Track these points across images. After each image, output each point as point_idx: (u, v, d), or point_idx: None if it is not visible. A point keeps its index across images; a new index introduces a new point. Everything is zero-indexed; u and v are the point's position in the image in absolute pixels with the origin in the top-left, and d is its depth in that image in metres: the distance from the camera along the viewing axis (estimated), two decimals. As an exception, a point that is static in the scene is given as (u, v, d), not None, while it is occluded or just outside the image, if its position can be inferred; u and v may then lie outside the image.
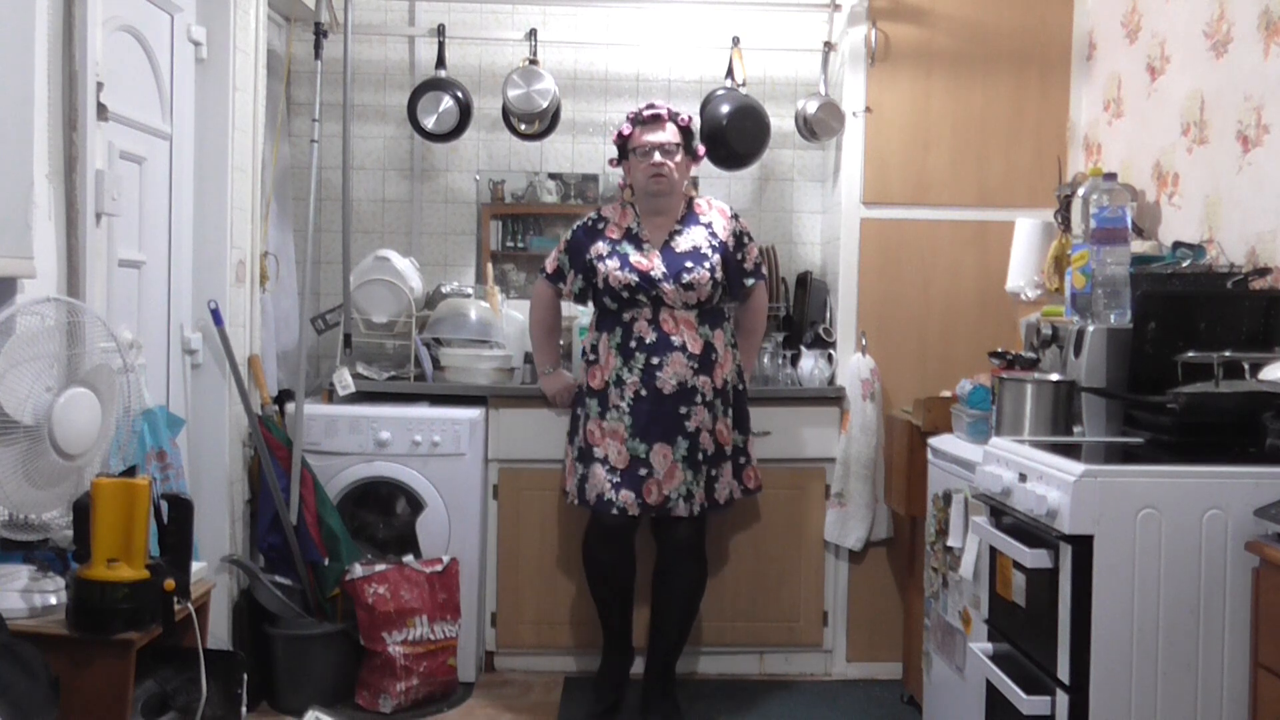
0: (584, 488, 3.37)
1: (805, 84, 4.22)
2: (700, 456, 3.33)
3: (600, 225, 3.46)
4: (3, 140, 2.32)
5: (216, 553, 3.33)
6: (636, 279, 3.32)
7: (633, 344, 3.33)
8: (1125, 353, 2.64)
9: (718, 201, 3.53)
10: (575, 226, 3.53)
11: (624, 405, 3.32)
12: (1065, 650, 2.15)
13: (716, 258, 3.37)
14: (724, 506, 3.43)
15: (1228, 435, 2.36)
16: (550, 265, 3.53)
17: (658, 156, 3.34)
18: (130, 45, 2.98)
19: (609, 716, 3.44)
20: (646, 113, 3.38)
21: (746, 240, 3.48)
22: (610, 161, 3.51)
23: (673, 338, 3.32)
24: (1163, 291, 2.67)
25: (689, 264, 3.34)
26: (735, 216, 3.49)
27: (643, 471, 3.30)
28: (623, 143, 3.42)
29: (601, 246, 3.41)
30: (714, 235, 3.41)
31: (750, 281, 3.48)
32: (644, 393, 3.31)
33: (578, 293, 3.48)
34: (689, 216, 3.45)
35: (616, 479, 3.31)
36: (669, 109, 3.40)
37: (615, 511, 3.31)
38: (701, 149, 3.54)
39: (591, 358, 3.42)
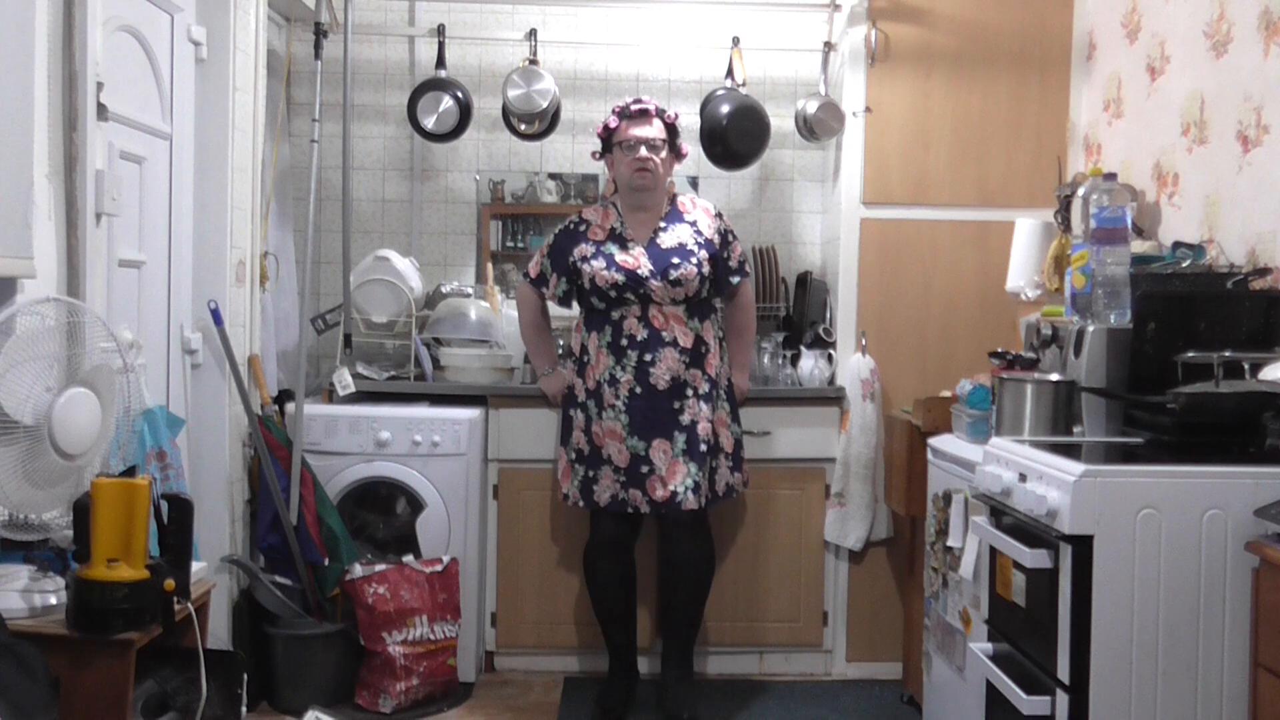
0: (592, 489, 3.37)
1: (805, 84, 4.22)
2: (702, 448, 3.33)
3: (582, 228, 3.46)
4: (3, 140, 2.32)
5: (216, 553, 3.33)
6: (623, 278, 3.32)
7: (624, 342, 3.34)
8: (1125, 353, 2.64)
9: (702, 200, 3.55)
10: (557, 230, 3.53)
11: (619, 404, 3.32)
12: (1065, 650, 2.15)
13: (703, 254, 3.37)
14: (722, 498, 3.44)
15: (1228, 435, 2.36)
16: (533, 270, 3.53)
17: (643, 151, 3.34)
18: (130, 45, 2.98)
19: None
20: (634, 107, 3.38)
21: (731, 238, 3.49)
22: (593, 155, 3.51)
23: (664, 333, 3.32)
24: (1163, 291, 2.67)
25: (675, 260, 3.34)
26: (719, 215, 3.51)
27: (644, 469, 3.30)
28: (607, 136, 3.41)
29: (585, 248, 3.40)
30: (699, 233, 3.41)
31: (736, 279, 3.49)
32: (638, 390, 3.31)
33: (562, 296, 3.48)
34: (673, 214, 3.45)
35: (623, 478, 3.32)
36: (656, 104, 3.41)
37: (630, 510, 3.32)
38: (686, 148, 3.52)
39: (584, 359, 3.42)
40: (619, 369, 3.33)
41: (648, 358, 3.31)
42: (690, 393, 3.33)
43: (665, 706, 3.41)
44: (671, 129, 3.41)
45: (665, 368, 3.31)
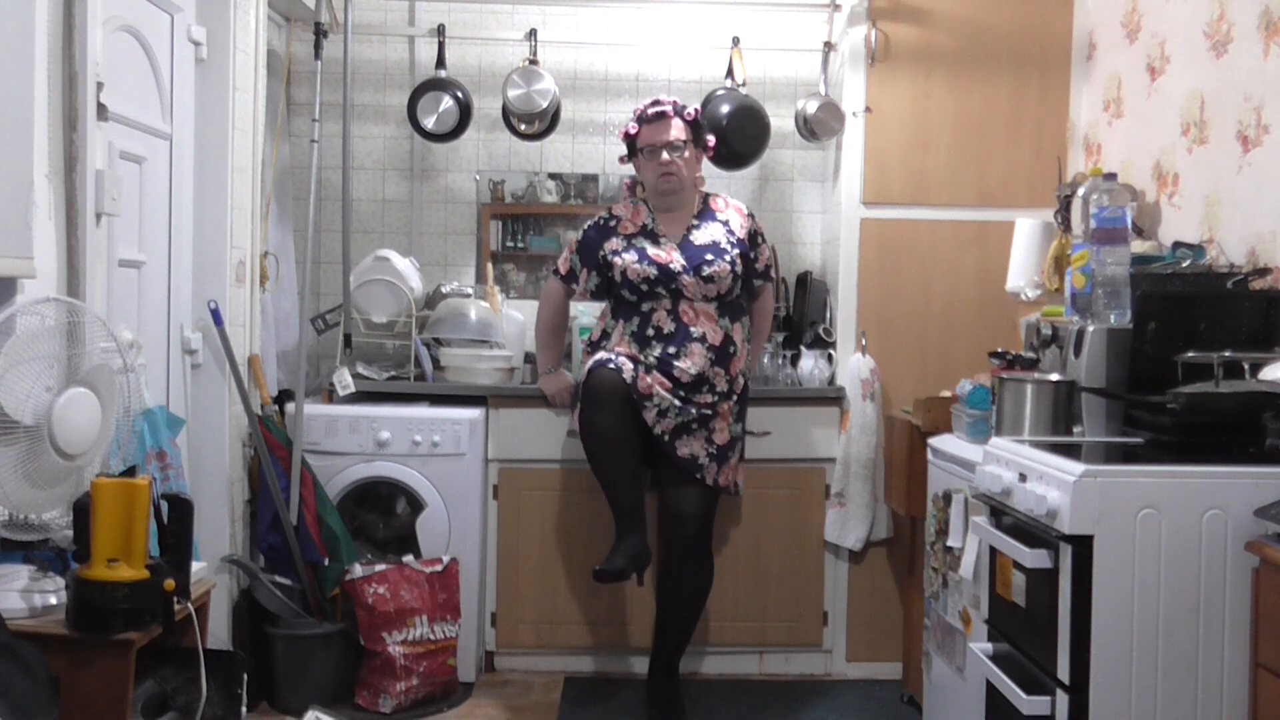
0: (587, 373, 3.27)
1: (805, 84, 4.22)
2: (694, 412, 3.28)
3: (613, 223, 3.45)
4: (3, 140, 2.32)
5: (216, 553, 3.33)
6: (655, 272, 3.31)
7: (650, 333, 3.32)
8: (1125, 353, 2.64)
9: (735, 200, 3.53)
10: (587, 226, 3.52)
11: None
12: (1065, 650, 2.15)
13: (736, 253, 3.36)
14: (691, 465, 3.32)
15: (1228, 435, 2.36)
16: (563, 265, 3.52)
17: (665, 155, 3.33)
18: (130, 45, 2.98)
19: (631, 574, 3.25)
20: (651, 110, 3.36)
21: (760, 240, 3.49)
22: (620, 159, 3.51)
23: (693, 328, 3.30)
24: (1163, 291, 2.67)
25: (709, 256, 3.33)
26: (751, 215, 3.50)
27: (642, 368, 3.26)
28: (630, 141, 3.41)
29: (616, 243, 3.39)
30: (732, 233, 3.40)
31: (759, 283, 3.49)
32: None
33: (594, 289, 3.47)
34: (706, 213, 3.44)
35: (619, 356, 3.26)
36: (674, 103, 3.39)
37: (611, 367, 3.21)
38: (711, 139, 3.53)
39: (602, 344, 3.40)
40: (642, 357, 3.31)
41: (672, 350, 3.29)
42: (710, 390, 3.32)
43: (650, 712, 3.42)
44: (694, 124, 3.39)
45: (691, 362, 3.28)
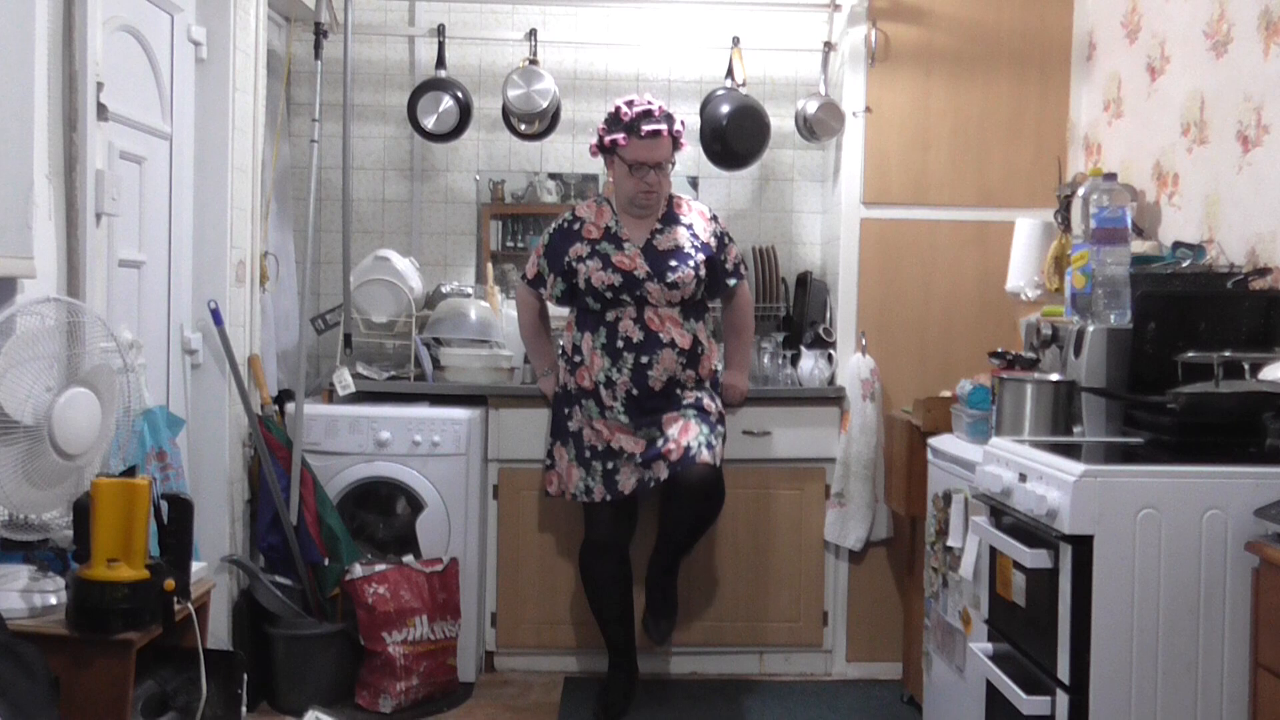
0: (615, 480, 3.34)
1: (805, 84, 4.22)
2: (711, 416, 3.36)
3: (577, 226, 3.44)
4: (3, 140, 2.32)
5: (216, 553, 3.33)
6: (620, 279, 3.31)
7: (619, 344, 3.32)
8: (1125, 353, 2.65)
9: (697, 203, 3.53)
10: (550, 229, 3.50)
11: (618, 405, 3.32)
12: (1065, 650, 2.15)
13: (700, 257, 3.36)
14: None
15: (1228, 435, 2.36)
16: (530, 270, 3.52)
17: (652, 175, 3.31)
18: (130, 45, 2.98)
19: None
20: (646, 127, 3.25)
21: (727, 241, 3.49)
22: (591, 148, 3.44)
23: (660, 335, 3.32)
24: (1163, 291, 2.67)
25: (673, 263, 3.33)
26: (714, 218, 3.50)
27: (660, 442, 3.30)
28: (611, 145, 3.33)
29: (580, 248, 3.38)
30: (695, 236, 3.40)
31: (733, 281, 3.49)
32: (635, 391, 3.31)
33: (559, 296, 3.47)
34: (669, 215, 3.44)
35: (641, 459, 3.32)
36: (666, 116, 3.31)
37: (653, 484, 3.29)
38: (684, 141, 3.42)
39: (576, 359, 3.40)
40: (615, 371, 3.32)
41: (644, 359, 3.31)
42: (690, 386, 3.36)
43: (647, 607, 3.47)
44: (675, 136, 3.36)
45: (662, 369, 3.31)
